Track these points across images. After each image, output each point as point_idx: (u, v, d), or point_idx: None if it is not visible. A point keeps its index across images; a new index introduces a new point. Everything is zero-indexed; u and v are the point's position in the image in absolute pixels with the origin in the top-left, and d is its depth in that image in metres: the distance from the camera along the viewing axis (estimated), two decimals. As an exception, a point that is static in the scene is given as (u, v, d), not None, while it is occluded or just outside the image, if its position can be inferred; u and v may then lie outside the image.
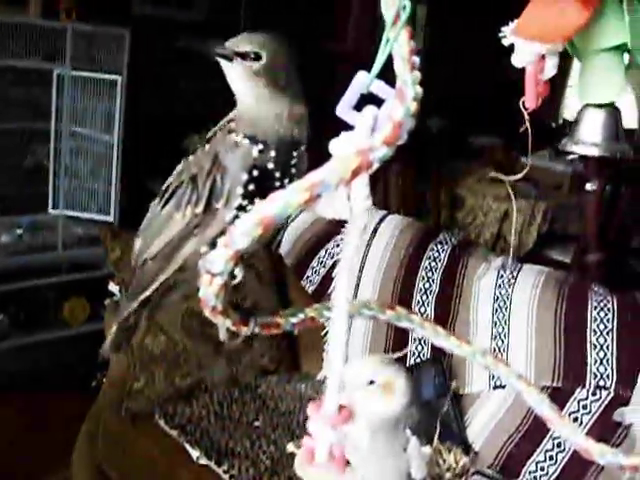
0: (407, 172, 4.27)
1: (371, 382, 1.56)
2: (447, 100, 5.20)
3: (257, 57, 0.89)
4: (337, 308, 0.61)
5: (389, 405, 1.53)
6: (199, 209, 0.88)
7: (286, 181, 0.87)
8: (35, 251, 3.60)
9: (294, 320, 0.76)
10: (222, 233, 0.86)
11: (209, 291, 0.59)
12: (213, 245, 0.87)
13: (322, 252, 2.72)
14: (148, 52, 3.89)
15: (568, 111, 6.38)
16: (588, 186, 2.69)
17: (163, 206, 0.93)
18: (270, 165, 0.87)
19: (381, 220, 2.66)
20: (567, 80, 6.25)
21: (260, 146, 0.87)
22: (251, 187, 0.86)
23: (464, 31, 5.75)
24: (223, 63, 0.91)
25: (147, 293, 0.95)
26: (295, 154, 0.88)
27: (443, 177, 4.49)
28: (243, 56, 0.90)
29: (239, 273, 0.57)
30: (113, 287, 2.70)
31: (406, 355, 2.35)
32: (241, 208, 0.86)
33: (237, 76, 0.90)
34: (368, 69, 0.60)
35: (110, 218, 3.68)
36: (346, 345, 0.62)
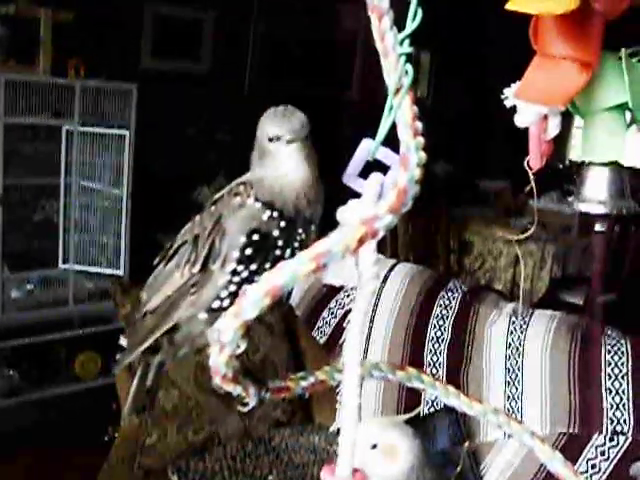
0: (416, 218, 4.27)
1: (374, 446, 1.55)
2: (453, 144, 5.23)
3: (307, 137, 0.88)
4: (348, 374, 0.60)
5: (392, 469, 1.52)
6: (196, 269, 0.89)
7: (288, 251, 0.87)
8: (46, 306, 3.61)
9: (304, 384, 0.75)
10: (217, 297, 0.86)
11: (219, 360, 0.59)
12: (210, 310, 0.88)
13: (332, 303, 2.72)
14: (155, 105, 3.93)
15: (575, 152, 6.37)
16: (597, 227, 2.69)
17: (166, 263, 0.94)
18: (275, 232, 0.86)
19: (391, 269, 2.65)
20: (573, 121, 6.26)
21: (274, 213, 0.86)
22: (248, 251, 0.86)
23: (468, 75, 5.80)
24: (300, 146, 0.87)
25: (143, 347, 0.95)
26: (301, 230, 0.88)
27: (452, 222, 4.48)
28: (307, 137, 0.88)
29: (242, 344, 0.57)
30: (124, 341, 2.70)
31: (420, 404, 2.32)
32: (235, 273, 0.86)
33: (305, 156, 0.87)
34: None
35: (120, 272, 3.69)
36: (359, 408, 0.61)
